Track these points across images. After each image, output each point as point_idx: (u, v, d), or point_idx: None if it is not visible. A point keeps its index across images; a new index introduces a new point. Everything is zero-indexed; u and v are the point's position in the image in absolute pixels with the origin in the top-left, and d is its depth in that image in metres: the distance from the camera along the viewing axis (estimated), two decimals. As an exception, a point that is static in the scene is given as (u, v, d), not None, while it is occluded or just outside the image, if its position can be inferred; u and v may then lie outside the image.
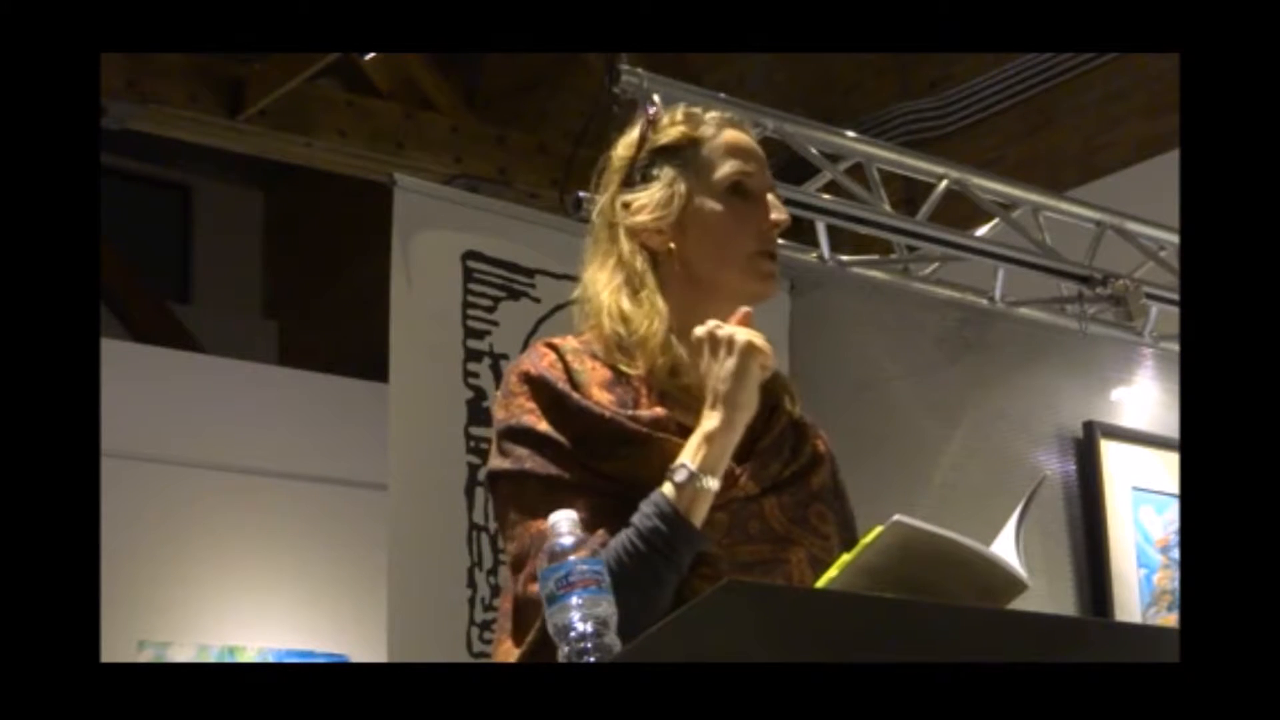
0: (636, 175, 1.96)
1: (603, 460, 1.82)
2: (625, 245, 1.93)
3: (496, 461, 1.87)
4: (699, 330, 1.86)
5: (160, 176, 9.57)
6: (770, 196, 1.96)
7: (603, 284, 1.93)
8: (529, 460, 1.82)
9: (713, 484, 1.79)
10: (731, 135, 1.98)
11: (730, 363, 1.82)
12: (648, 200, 1.94)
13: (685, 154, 1.95)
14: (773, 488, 1.89)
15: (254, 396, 6.52)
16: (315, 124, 6.14)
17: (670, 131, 1.97)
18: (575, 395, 1.84)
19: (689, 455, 1.79)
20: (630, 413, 1.85)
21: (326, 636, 6.29)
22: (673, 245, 1.93)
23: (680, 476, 1.77)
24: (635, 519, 1.77)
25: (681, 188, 1.93)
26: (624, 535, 1.76)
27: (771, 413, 1.94)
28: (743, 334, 1.84)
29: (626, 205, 1.95)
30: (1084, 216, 4.32)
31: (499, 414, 1.89)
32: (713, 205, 1.93)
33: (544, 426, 1.83)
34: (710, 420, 1.81)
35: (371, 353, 4.23)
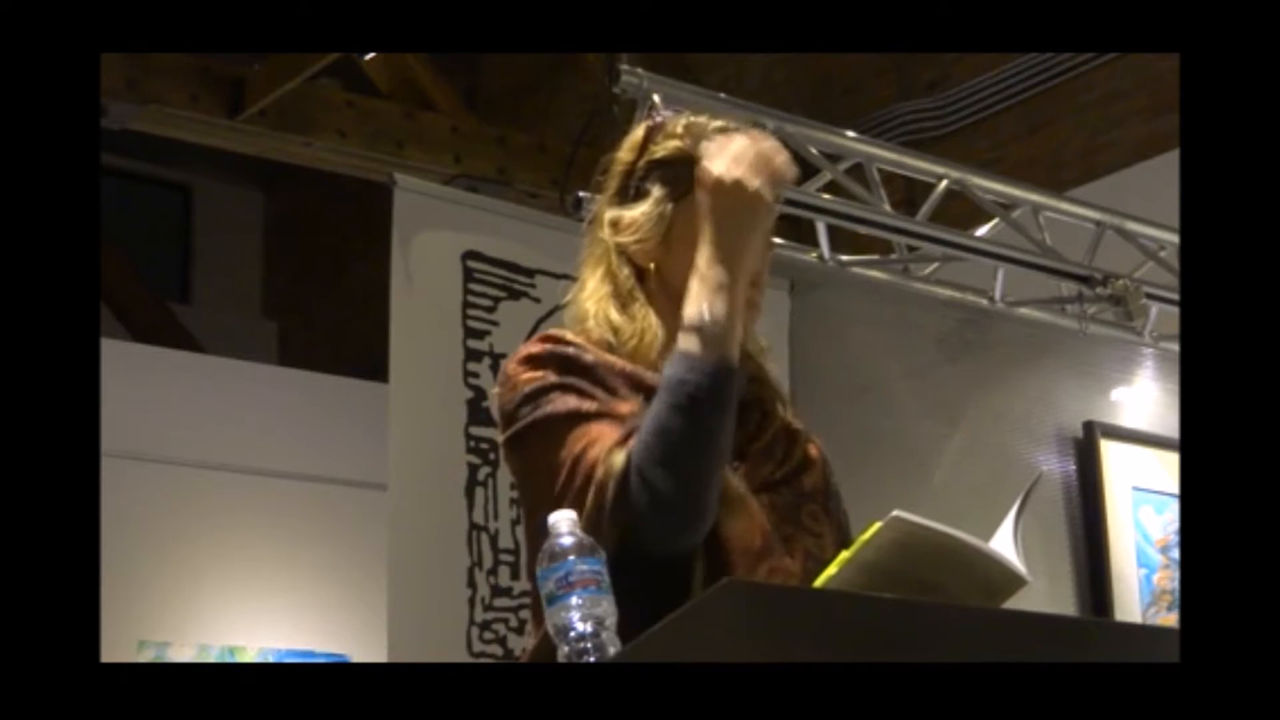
0: (631, 189, 1.95)
1: (621, 401, 1.81)
2: (613, 259, 1.93)
3: (512, 430, 1.84)
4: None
5: (160, 176, 9.59)
6: None
7: (589, 292, 1.93)
8: (547, 405, 1.81)
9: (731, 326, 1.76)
10: None
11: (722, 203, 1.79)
12: (633, 220, 1.92)
13: (677, 170, 1.92)
14: (764, 487, 1.89)
15: (254, 396, 6.51)
16: (315, 124, 6.13)
17: (668, 145, 1.94)
18: (586, 354, 1.84)
19: (699, 303, 1.77)
20: (647, 370, 1.84)
21: (326, 636, 6.29)
22: (653, 264, 1.92)
23: (695, 321, 1.76)
24: (666, 376, 1.74)
25: (668, 208, 1.91)
26: (658, 402, 1.73)
27: (764, 417, 1.93)
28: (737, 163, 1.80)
29: (614, 223, 1.94)
30: (1084, 216, 4.32)
31: (504, 397, 1.86)
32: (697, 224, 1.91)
33: (554, 378, 1.82)
34: (713, 270, 1.78)
35: (371, 353, 4.23)
